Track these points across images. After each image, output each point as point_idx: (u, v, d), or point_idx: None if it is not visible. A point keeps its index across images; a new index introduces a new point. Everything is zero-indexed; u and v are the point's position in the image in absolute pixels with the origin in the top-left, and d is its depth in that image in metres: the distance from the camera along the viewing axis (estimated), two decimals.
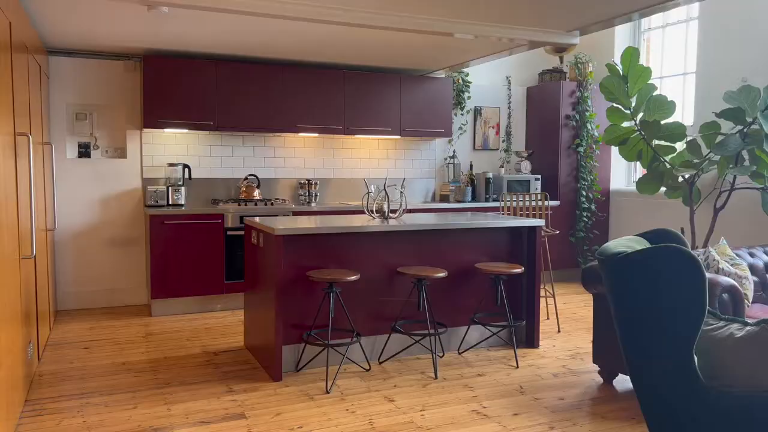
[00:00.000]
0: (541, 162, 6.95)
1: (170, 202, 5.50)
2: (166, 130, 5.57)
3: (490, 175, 6.54)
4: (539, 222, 4.34)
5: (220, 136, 5.88)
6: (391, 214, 4.31)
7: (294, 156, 6.16)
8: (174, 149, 5.73)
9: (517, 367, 3.95)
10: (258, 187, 5.86)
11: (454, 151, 6.78)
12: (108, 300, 5.59)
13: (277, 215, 5.54)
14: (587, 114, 6.70)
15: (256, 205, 5.59)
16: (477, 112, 6.94)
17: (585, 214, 6.76)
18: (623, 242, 2.25)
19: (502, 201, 5.29)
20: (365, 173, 6.44)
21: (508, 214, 5.19)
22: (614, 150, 6.94)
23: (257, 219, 4.16)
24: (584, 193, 6.75)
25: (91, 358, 4.10)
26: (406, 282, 4.12)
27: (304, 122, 5.83)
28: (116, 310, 5.49)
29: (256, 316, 4.08)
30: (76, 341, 4.49)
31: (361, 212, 5.78)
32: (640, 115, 5.63)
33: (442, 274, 3.77)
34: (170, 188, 5.50)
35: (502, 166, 6.80)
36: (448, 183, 6.61)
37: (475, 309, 4.34)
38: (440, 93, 6.35)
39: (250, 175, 5.89)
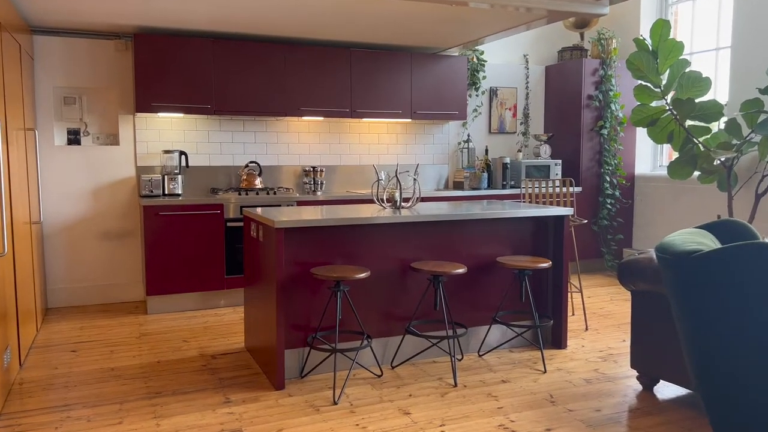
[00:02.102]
0: (562, 146, 6.53)
1: (166, 192, 5.14)
2: (161, 114, 5.19)
3: (508, 160, 6.13)
4: (567, 210, 3.94)
5: (218, 120, 5.50)
6: (403, 204, 3.93)
7: (298, 141, 5.78)
8: (170, 135, 5.36)
9: (545, 371, 3.57)
10: (260, 175, 5.48)
11: (468, 135, 6.37)
12: (101, 297, 5.25)
13: (280, 205, 5.17)
14: (611, 94, 6.26)
15: (257, 194, 5.22)
16: (492, 93, 6.51)
17: (609, 201, 6.34)
18: (689, 237, 1.85)
19: (523, 188, 4.90)
20: (374, 159, 6.05)
21: (528, 202, 4.80)
22: (640, 132, 6.50)
23: (258, 210, 3.79)
24: (608, 178, 6.33)
25: (77, 363, 3.76)
26: (420, 279, 3.74)
27: (309, 105, 5.43)
28: (110, 307, 5.15)
29: (256, 316, 3.72)
30: (64, 343, 4.16)
31: (371, 201, 5.39)
32: (672, 93, 5.21)
33: (460, 270, 3.39)
34: (166, 177, 5.14)
35: (519, 151, 6.39)
36: (463, 169, 6.21)
37: (496, 307, 3.96)
38: (454, 72, 5.93)
39: (251, 162, 5.52)
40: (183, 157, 5.34)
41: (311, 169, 5.59)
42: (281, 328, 3.31)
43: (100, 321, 4.71)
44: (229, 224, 5.05)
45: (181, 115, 5.26)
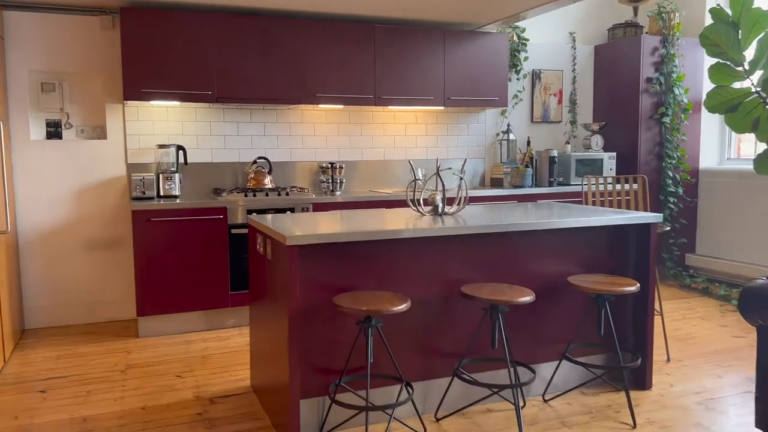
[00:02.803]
0: (614, 137, 5.70)
1: (161, 193, 4.40)
2: (154, 102, 4.45)
3: (555, 153, 5.32)
4: (655, 217, 3.13)
5: (222, 110, 4.74)
6: (446, 208, 3.14)
7: (313, 134, 5.00)
8: (165, 127, 4.61)
9: (635, 426, 2.78)
10: (269, 173, 4.72)
11: (508, 125, 5.56)
12: (87, 316, 4.53)
13: (293, 209, 4.41)
14: (674, 75, 5.42)
15: (267, 195, 4.46)
16: (535, 76, 5.69)
17: (671, 200, 5.51)
18: None
19: (584, 184, 4.09)
20: (400, 153, 5.27)
21: (590, 203, 4.00)
22: (706, 120, 5.65)
23: (268, 218, 3.04)
24: (670, 173, 5.49)
25: (44, 410, 3.03)
26: (471, 307, 2.96)
27: (326, 91, 4.66)
28: (97, 328, 4.42)
29: (264, 348, 2.97)
30: (34, 379, 3.43)
31: (400, 203, 4.62)
32: (759, 73, 4.37)
33: (527, 298, 2.60)
34: (161, 176, 4.40)
35: (568, 142, 5.56)
36: (502, 164, 5.41)
37: (566, 340, 3.17)
38: (493, 52, 5.12)
39: (259, 158, 4.76)
40: (180, 152, 4.60)
41: (329, 165, 4.82)
42: (295, 374, 2.55)
43: (82, 347, 3.98)
44: (233, 231, 4.30)
45: (178, 103, 4.52)
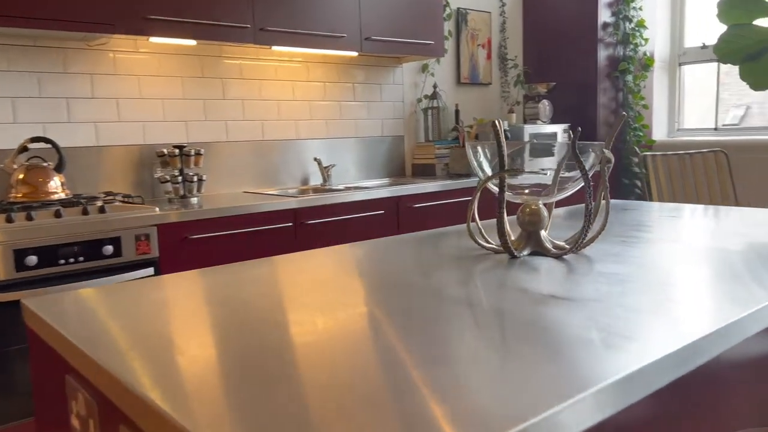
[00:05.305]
0: (557, 102, 4.30)
1: None
2: None
3: (506, 126, 3.73)
4: None
5: None
6: (562, 244, 1.31)
7: (140, 94, 2.79)
8: None
9: None
10: (59, 169, 2.43)
11: (435, 87, 3.83)
12: None
13: (118, 239, 2.21)
14: (634, 21, 4.14)
15: (58, 215, 2.18)
16: (461, 18, 4.04)
17: (637, 182, 4.27)
18: None
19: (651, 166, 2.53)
20: (287, 129, 3.26)
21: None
22: (658, 80, 4.50)
23: (65, 315, 0.92)
24: (637, 150, 4.24)
25: None
26: None
27: (164, 12, 2.49)
28: None
29: None
30: None
31: (311, 212, 2.66)
32: None
33: None
34: None
35: (512, 111, 3.99)
36: (432, 143, 3.68)
37: None
38: None
39: (36, 139, 2.42)
40: None
41: (175, 151, 2.66)
42: None
43: None
44: None
45: None
